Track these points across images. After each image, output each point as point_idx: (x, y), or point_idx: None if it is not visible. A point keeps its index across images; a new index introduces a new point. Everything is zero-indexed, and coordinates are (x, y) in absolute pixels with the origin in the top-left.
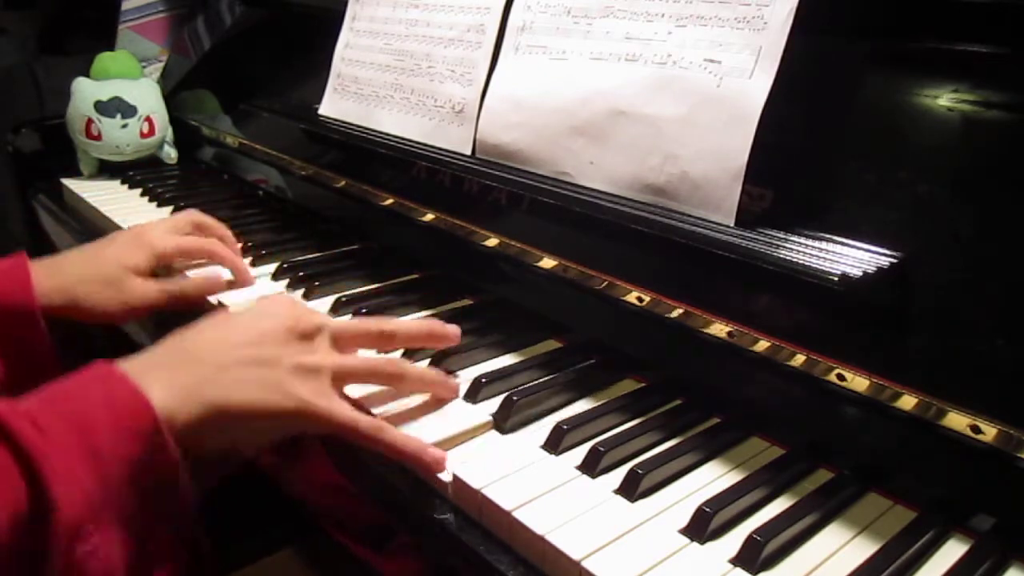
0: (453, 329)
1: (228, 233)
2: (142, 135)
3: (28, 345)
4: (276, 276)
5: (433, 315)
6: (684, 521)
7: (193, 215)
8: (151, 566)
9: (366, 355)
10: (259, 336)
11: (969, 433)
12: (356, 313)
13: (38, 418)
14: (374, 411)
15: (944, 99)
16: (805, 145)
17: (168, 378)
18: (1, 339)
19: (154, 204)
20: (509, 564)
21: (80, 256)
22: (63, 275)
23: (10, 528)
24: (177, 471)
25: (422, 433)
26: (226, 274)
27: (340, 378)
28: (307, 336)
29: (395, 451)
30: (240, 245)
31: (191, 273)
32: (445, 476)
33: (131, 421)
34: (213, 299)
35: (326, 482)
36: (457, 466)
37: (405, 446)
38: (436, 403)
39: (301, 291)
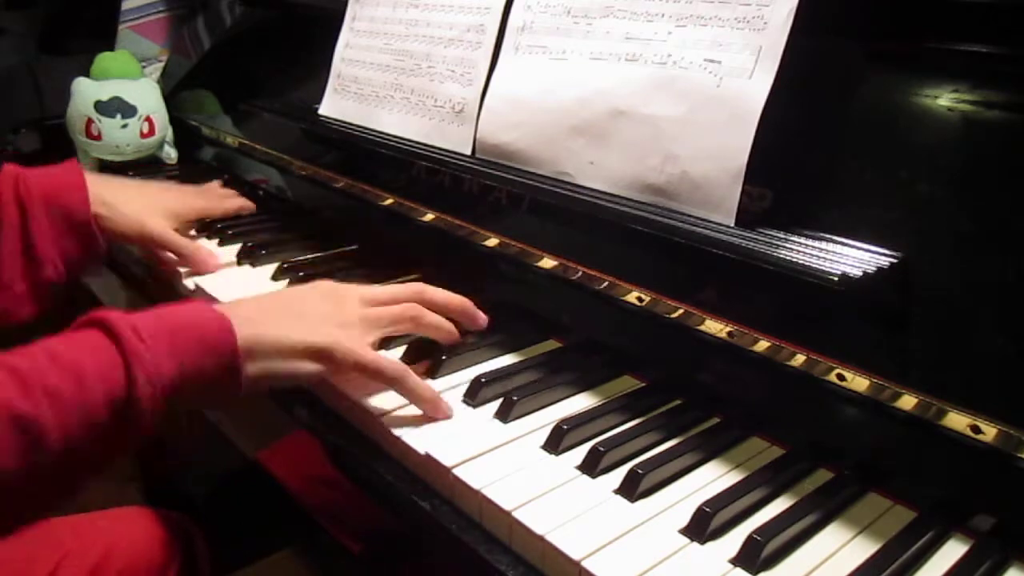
0: (483, 317)
1: (247, 202)
2: (142, 135)
3: (89, 250)
4: (276, 276)
5: None
6: (684, 521)
7: (217, 186)
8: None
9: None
10: (298, 301)
11: (969, 433)
12: None
13: (140, 327)
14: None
15: (944, 99)
16: (805, 145)
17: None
18: (69, 243)
19: None
20: (509, 564)
21: (123, 185)
22: (107, 190)
23: (106, 405)
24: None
25: (426, 436)
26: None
27: (367, 328)
28: (339, 300)
29: (414, 396)
30: (240, 245)
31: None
32: (445, 476)
33: (216, 341)
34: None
35: (323, 478)
36: (457, 466)
37: (424, 392)
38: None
39: None
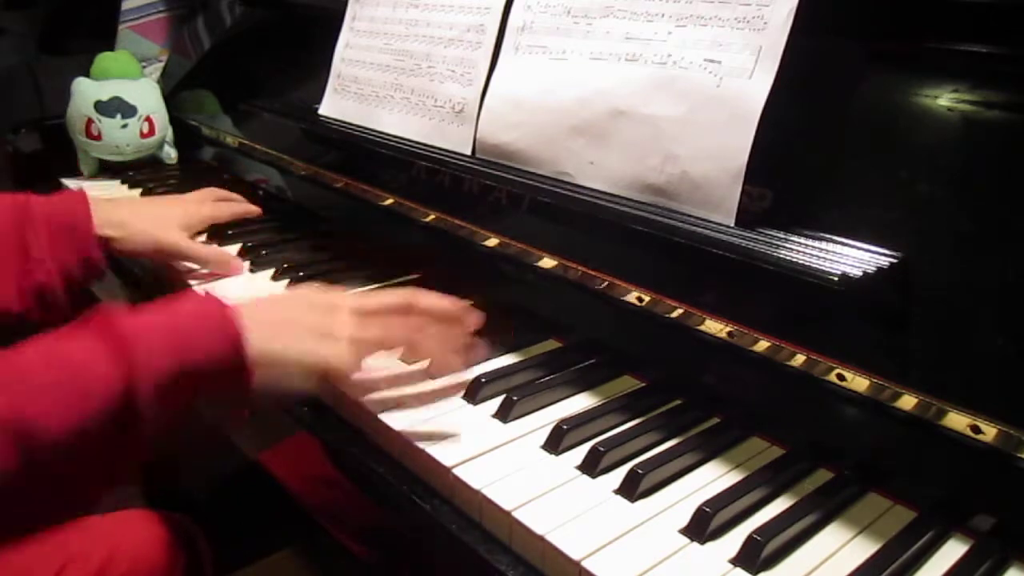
0: (475, 315)
1: (251, 207)
2: (142, 135)
3: (87, 264)
4: (276, 276)
5: None
6: (684, 521)
7: (216, 191)
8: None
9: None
10: (288, 311)
11: (969, 433)
12: None
13: (140, 329)
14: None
15: (944, 99)
16: (805, 145)
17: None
18: (67, 255)
19: None
20: (509, 564)
21: (131, 203)
22: (117, 211)
23: (103, 408)
24: (250, 380)
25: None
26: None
27: (358, 347)
28: (329, 311)
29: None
30: (239, 246)
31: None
32: (445, 476)
33: (220, 331)
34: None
35: (323, 478)
36: (457, 466)
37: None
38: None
39: None
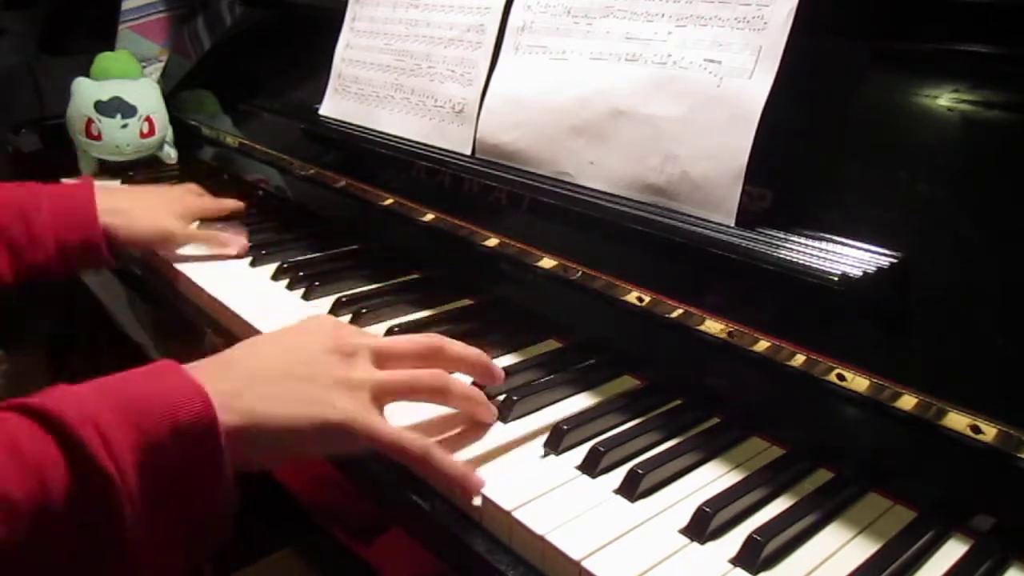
0: (499, 371)
1: (237, 202)
2: (142, 135)
3: (88, 246)
4: (276, 276)
5: (433, 315)
6: (684, 521)
7: (194, 186)
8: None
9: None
10: (300, 353)
11: (969, 433)
12: (356, 313)
13: (98, 417)
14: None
15: (944, 99)
16: (805, 145)
17: (211, 387)
18: (69, 234)
19: None
20: (509, 564)
21: (129, 192)
22: (118, 199)
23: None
24: (223, 466)
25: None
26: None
27: (381, 395)
28: (349, 354)
29: (441, 476)
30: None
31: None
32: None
33: (190, 416)
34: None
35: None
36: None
37: (452, 470)
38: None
39: (301, 291)
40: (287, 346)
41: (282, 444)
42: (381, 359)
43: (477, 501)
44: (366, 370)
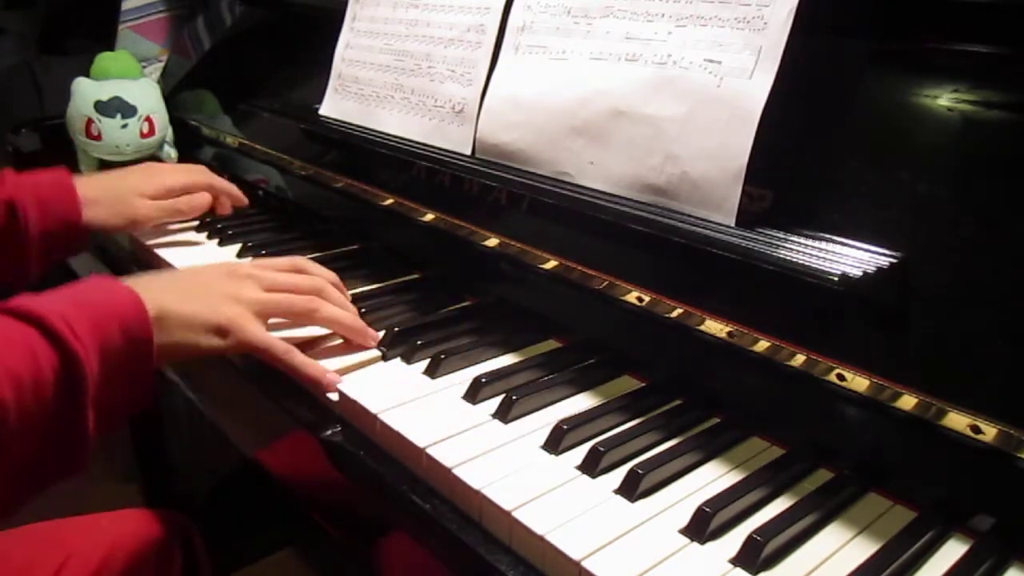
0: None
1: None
2: (142, 135)
3: (72, 243)
4: None
5: (433, 315)
6: (684, 521)
7: (205, 171)
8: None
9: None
10: (205, 276)
11: (969, 433)
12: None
13: (67, 314)
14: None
15: (944, 99)
16: (805, 145)
17: (140, 292)
18: (53, 241)
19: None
20: (509, 564)
21: (101, 180)
22: (90, 190)
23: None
24: (152, 349)
25: (426, 435)
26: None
27: (262, 311)
28: (241, 278)
29: (299, 373)
30: (239, 246)
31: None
32: (445, 476)
33: (128, 310)
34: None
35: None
36: (457, 466)
37: (310, 369)
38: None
39: None
40: (197, 271)
41: (182, 335)
42: (268, 287)
43: (334, 396)
44: (252, 291)
